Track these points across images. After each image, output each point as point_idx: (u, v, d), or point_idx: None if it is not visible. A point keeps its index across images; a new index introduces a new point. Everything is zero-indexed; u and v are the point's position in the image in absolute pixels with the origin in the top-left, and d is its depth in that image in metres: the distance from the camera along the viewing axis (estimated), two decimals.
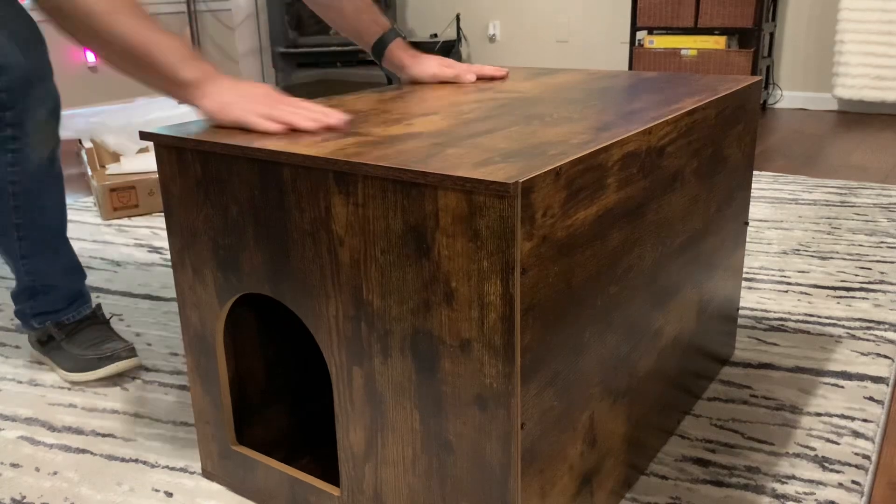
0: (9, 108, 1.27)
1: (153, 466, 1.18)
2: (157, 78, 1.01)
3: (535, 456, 0.82)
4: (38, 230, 1.38)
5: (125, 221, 2.41)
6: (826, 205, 2.37)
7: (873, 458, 1.15)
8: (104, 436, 1.26)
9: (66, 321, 1.45)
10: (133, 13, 1.00)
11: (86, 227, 2.36)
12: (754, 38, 3.79)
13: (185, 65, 1.00)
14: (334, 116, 0.98)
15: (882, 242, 2.03)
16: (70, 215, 2.46)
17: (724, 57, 3.82)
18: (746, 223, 1.39)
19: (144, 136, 0.99)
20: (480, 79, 1.39)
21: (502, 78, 1.39)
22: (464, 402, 0.81)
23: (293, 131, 0.96)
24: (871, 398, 1.29)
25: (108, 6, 0.99)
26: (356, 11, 1.38)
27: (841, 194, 2.47)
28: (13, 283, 1.45)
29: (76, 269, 1.47)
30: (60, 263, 1.44)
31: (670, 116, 0.99)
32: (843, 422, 1.23)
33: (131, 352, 1.45)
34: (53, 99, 1.33)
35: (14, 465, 1.19)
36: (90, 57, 4.16)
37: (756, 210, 2.34)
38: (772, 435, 1.20)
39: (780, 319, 1.60)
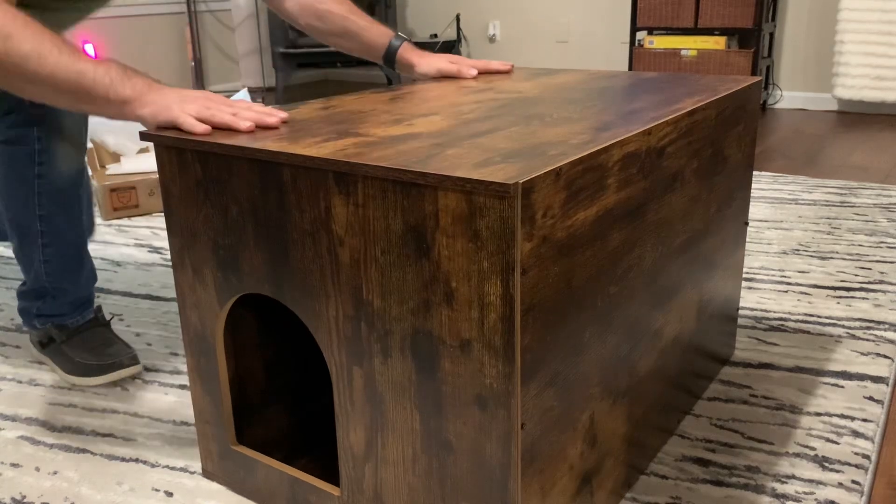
0: (36, 123, 1.28)
1: (153, 466, 1.18)
2: (98, 105, 1.02)
3: (535, 456, 0.82)
4: (63, 240, 1.39)
5: (125, 221, 2.41)
6: (826, 205, 2.37)
7: (873, 457, 1.15)
8: (104, 436, 1.26)
9: (69, 324, 1.45)
10: (60, 49, 1.01)
11: None
12: (754, 38, 3.79)
13: (120, 85, 1.01)
14: (274, 116, 1.00)
15: (882, 242, 2.03)
16: None
17: (724, 57, 3.82)
18: (746, 223, 1.39)
19: (144, 136, 0.99)
20: (486, 73, 1.43)
21: (507, 72, 1.42)
22: (464, 402, 0.81)
23: (231, 130, 0.98)
24: (870, 398, 1.30)
25: (37, 47, 1.00)
26: (360, 29, 1.43)
27: (841, 194, 2.47)
28: (15, 283, 1.45)
29: (91, 276, 1.48)
30: (80, 272, 1.44)
31: (670, 117, 0.99)
32: (842, 421, 1.23)
33: (134, 359, 1.44)
34: (82, 114, 1.34)
35: (14, 465, 1.19)
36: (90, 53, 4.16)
37: (756, 210, 2.34)
38: (772, 435, 1.20)
39: (780, 319, 1.60)
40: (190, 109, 0.99)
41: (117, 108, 1.02)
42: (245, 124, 0.97)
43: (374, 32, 1.43)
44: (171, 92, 1.03)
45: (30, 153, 1.31)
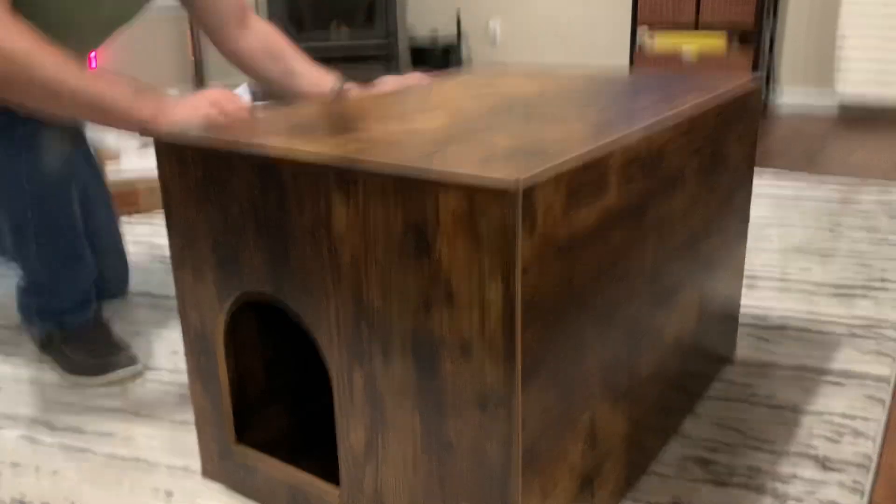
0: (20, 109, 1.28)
1: (153, 466, 1.17)
2: (117, 124, 1.13)
3: (536, 456, 0.82)
4: (56, 231, 1.38)
5: (125, 221, 2.41)
6: (827, 203, 2.36)
7: (874, 457, 1.15)
8: (104, 436, 1.26)
9: (67, 324, 1.45)
10: (78, 74, 1.11)
11: None
12: (755, 36, 3.79)
13: (138, 104, 1.11)
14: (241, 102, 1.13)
15: (883, 241, 2.03)
16: None
17: (724, 56, 3.82)
18: (747, 222, 1.39)
19: (144, 135, 0.99)
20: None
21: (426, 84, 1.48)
22: (464, 403, 0.81)
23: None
24: (872, 397, 1.29)
25: (58, 73, 1.09)
26: (309, 69, 1.51)
27: (842, 193, 2.47)
28: (14, 281, 1.45)
29: (90, 272, 1.47)
30: (77, 265, 1.44)
31: (671, 116, 0.99)
32: (844, 421, 1.23)
33: (133, 359, 1.44)
34: None
35: (14, 465, 1.19)
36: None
37: (757, 209, 2.34)
38: (773, 435, 1.20)
39: (782, 319, 1.60)
40: (201, 103, 1.09)
41: (135, 126, 1.11)
42: (232, 106, 1.10)
43: (322, 73, 1.52)
44: (180, 105, 1.11)
45: (16, 140, 1.30)
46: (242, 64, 1.52)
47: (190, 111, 1.10)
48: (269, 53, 1.49)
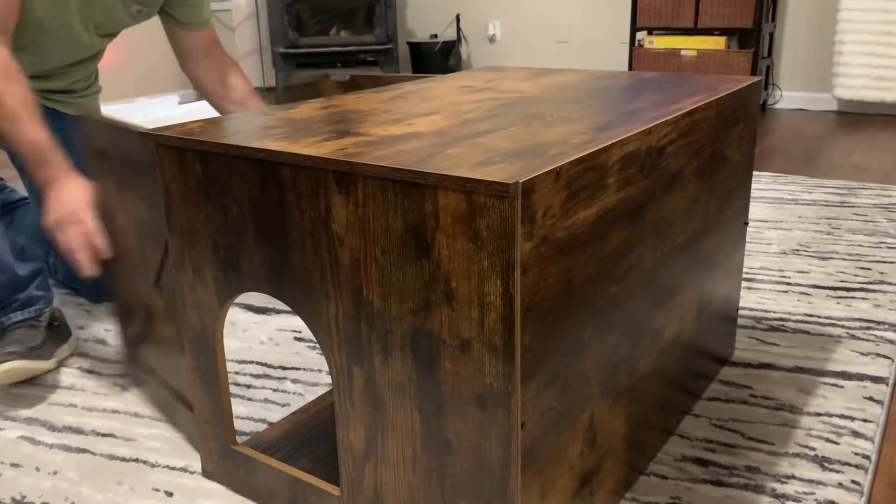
0: None
1: (153, 466, 1.18)
2: (28, 170, 1.35)
3: (535, 456, 0.82)
4: None
5: None
6: (826, 205, 2.37)
7: (873, 458, 1.15)
8: (104, 436, 1.26)
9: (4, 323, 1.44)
10: (23, 118, 1.30)
11: None
12: (754, 38, 3.79)
13: (41, 169, 1.32)
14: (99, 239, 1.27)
15: (882, 243, 2.03)
16: None
17: (723, 57, 3.82)
18: (746, 223, 1.39)
19: (145, 136, 0.99)
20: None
21: None
22: (464, 402, 0.81)
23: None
24: (870, 398, 1.30)
25: (14, 110, 1.29)
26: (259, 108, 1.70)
27: (841, 194, 2.47)
28: None
29: (8, 276, 1.42)
30: None
31: (670, 116, 0.99)
32: (842, 422, 1.23)
33: (66, 334, 1.50)
34: None
35: (14, 465, 1.19)
36: None
37: (756, 210, 2.34)
38: (772, 435, 1.20)
39: (780, 320, 1.60)
40: (66, 233, 1.27)
41: (38, 184, 1.33)
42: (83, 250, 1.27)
43: (262, 105, 1.76)
44: (59, 202, 1.29)
45: None
46: (199, 89, 1.86)
47: (55, 215, 1.28)
48: (223, 87, 1.83)
